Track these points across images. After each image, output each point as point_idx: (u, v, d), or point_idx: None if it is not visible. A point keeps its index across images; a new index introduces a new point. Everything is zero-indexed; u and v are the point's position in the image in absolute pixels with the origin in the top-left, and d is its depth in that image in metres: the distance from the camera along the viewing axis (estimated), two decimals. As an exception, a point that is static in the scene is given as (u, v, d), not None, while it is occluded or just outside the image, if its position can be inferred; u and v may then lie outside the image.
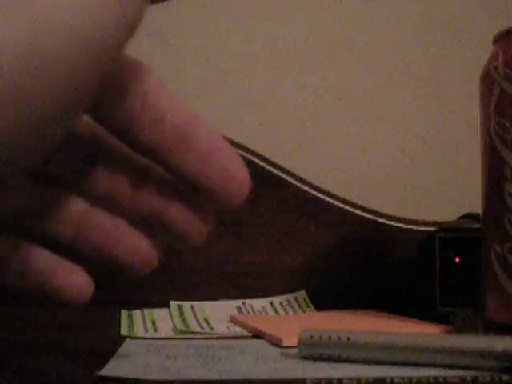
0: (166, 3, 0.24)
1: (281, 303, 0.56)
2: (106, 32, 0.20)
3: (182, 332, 0.43)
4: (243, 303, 0.55)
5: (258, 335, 0.41)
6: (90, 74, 0.21)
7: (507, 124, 0.39)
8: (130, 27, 0.22)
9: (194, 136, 0.25)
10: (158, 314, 0.50)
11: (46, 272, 0.26)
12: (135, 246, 0.26)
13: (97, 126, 0.25)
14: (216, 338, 0.41)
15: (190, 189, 0.26)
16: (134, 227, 0.27)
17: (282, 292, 0.58)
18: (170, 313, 0.51)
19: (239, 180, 0.25)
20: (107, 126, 0.25)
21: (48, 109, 0.20)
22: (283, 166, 0.62)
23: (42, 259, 0.26)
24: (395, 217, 0.61)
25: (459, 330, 0.43)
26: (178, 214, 0.26)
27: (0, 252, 0.26)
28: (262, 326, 0.42)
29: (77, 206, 0.26)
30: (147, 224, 0.26)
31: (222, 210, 0.26)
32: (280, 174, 0.61)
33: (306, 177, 0.62)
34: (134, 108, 0.24)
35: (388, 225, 0.60)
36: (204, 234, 0.27)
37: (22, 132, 0.20)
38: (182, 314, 0.50)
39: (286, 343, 0.37)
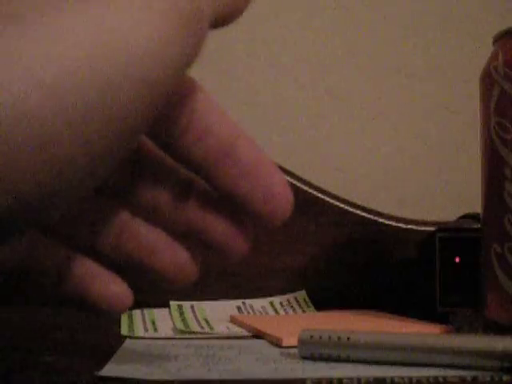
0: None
1: (281, 303, 0.56)
2: (166, 64, 0.20)
3: (182, 332, 0.43)
4: (243, 303, 0.55)
5: (258, 335, 0.41)
6: (147, 107, 0.20)
7: (507, 124, 0.39)
8: (191, 57, 0.21)
9: (238, 151, 0.24)
10: (158, 314, 0.50)
11: (85, 279, 0.26)
12: (173, 259, 0.26)
13: (142, 137, 0.25)
14: (216, 338, 0.41)
15: (231, 204, 0.25)
16: (173, 239, 0.26)
17: (282, 292, 0.58)
18: (170, 313, 0.51)
19: (281, 197, 0.25)
20: (153, 138, 0.25)
21: (101, 141, 0.19)
22: (283, 166, 0.62)
23: (82, 266, 0.26)
24: (395, 217, 0.61)
25: (459, 329, 0.43)
26: (218, 228, 0.26)
27: (39, 255, 0.26)
28: (261, 326, 0.42)
29: (119, 216, 0.26)
30: (187, 237, 0.26)
31: (264, 226, 0.25)
32: (280, 174, 0.61)
33: (305, 177, 0.62)
34: (181, 123, 0.24)
35: (388, 225, 0.60)
36: (244, 249, 0.26)
37: (84, 160, 0.19)
38: (182, 313, 0.50)
39: (286, 343, 0.37)
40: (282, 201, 0.25)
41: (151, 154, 0.26)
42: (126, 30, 0.19)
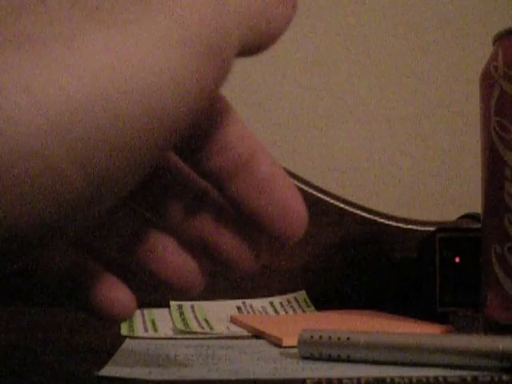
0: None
1: (281, 303, 0.56)
2: (183, 97, 0.19)
3: (182, 332, 0.43)
4: (243, 303, 0.55)
5: (258, 335, 0.41)
6: (160, 139, 0.19)
7: (507, 124, 0.39)
8: (213, 88, 0.20)
9: (255, 166, 0.24)
10: (158, 314, 0.50)
11: (91, 283, 0.25)
12: (181, 268, 0.26)
13: None
14: (216, 338, 0.41)
15: (245, 219, 0.25)
16: (183, 249, 0.26)
17: (282, 292, 0.58)
18: (170, 313, 0.51)
19: (296, 216, 0.24)
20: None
21: (106, 172, 0.18)
22: (283, 166, 0.62)
23: (89, 269, 0.25)
24: (395, 217, 0.61)
25: (459, 329, 0.43)
26: (229, 243, 0.25)
27: (49, 255, 0.25)
28: (261, 326, 0.42)
29: (128, 222, 0.26)
30: (197, 247, 0.26)
31: (278, 244, 0.25)
32: (280, 174, 0.61)
33: (305, 177, 0.62)
34: (201, 134, 0.23)
35: (388, 225, 0.60)
36: (253, 266, 0.26)
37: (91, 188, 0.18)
38: (182, 313, 0.50)
39: (286, 343, 0.37)
40: (296, 219, 0.24)
41: (168, 161, 0.26)
42: (142, 61, 0.18)
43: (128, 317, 0.26)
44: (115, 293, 0.25)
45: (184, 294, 0.27)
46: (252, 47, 0.22)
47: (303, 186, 0.61)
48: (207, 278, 0.26)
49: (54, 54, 0.17)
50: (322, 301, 0.56)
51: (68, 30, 0.17)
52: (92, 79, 0.17)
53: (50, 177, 0.17)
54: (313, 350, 0.33)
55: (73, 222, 0.19)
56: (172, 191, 0.25)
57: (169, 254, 0.26)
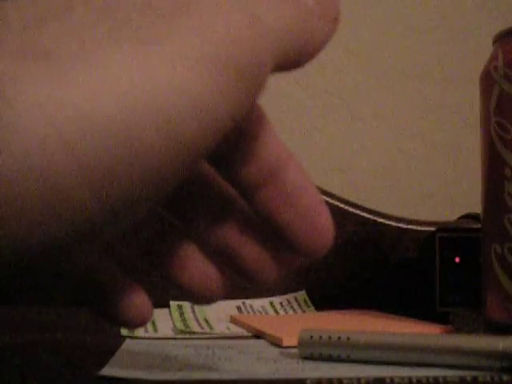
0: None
1: (281, 303, 0.56)
2: (208, 121, 0.18)
3: (182, 332, 0.43)
4: (243, 303, 0.55)
5: (258, 335, 0.41)
6: (181, 164, 0.18)
7: (507, 124, 0.39)
8: (243, 110, 0.19)
9: (285, 177, 0.23)
10: (158, 313, 0.50)
11: (109, 287, 0.25)
12: (202, 275, 0.25)
13: None
14: (216, 338, 0.41)
15: (270, 231, 0.24)
16: (205, 256, 0.25)
17: (282, 292, 0.58)
18: (170, 313, 0.51)
19: (323, 231, 0.23)
20: None
21: (122, 198, 0.17)
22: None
23: (108, 272, 0.25)
24: (395, 217, 0.61)
25: (459, 329, 0.43)
26: (252, 253, 0.25)
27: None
28: (261, 326, 0.42)
29: (153, 227, 0.25)
30: (220, 256, 0.25)
31: (302, 256, 0.24)
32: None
33: (305, 177, 0.62)
34: (231, 141, 0.22)
35: (388, 225, 0.60)
36: (276, 277, 0.25)
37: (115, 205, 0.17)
38: (182, 313, 0.50)
39: (286, 343, 0.37)
40: (323, 234, 0.24)
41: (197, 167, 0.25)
42: (166, 82, 0.17)
43: (144, 323, 0.25)
44: (134, 298, 0.25)
45: (203, 303, 0.26)
46: (288, 64, 0.21)
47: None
48: (228, 288, 0.26)
49: (72, 70, 0.16)
50: (322, 301, 0.56)
51: (90, 45, 0.17)
52: (110, 99, 0.16)
53: (58, 199, 0.16)
54: (313, 349, 0.33)
55: (88, 241, 0.18)
56: (199, 198, 0.25)
57: (191, 261, 0.25)
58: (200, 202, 0.25)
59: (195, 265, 0.25)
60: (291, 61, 0.21)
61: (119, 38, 0.17)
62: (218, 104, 0.18)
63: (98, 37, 0.17)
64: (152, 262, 0.25)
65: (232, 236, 0.25)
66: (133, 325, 0.25)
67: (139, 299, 0.25)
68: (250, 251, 0.25)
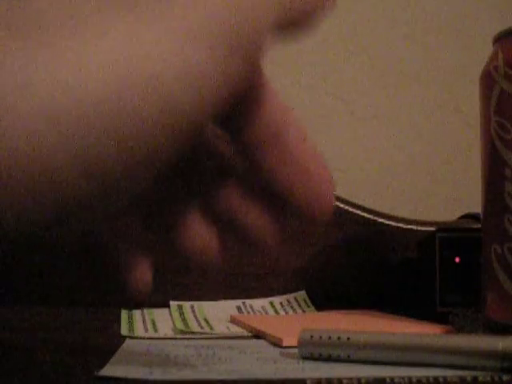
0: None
1: (281, 303, 0.56)
2: (201, 94, 0.18)
3: (182, 332, 0.43)
4: (243, 303, 0.55)
5: (258, 335, 0.41)
6: (177, 135, 0.18)
7: (507, 124, 0.39)
8: (237, 84, 0.19)
9: (286, 138, 0.23)
10: (158, 313, 0.50)
11: (109, 251, 0.25)
12: (202, 237, 0.25)
13: None
14: (216, 338, 0.41)
15: (271, 193, 0.24)
16: (206, 219, 0.25)
17: (282, 292, 0.58)
18: (170, 313, 0.51)
19: (326, 195, 0.24)
20: None
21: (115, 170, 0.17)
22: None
23: (108, 236, 0.25)
24: (395, 217, 0.61)
25: (459, 329, 0.43)
26: (252, 217, 0.25)
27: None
28: (261, 326, 0.42)
29: (154, 193, 0.25)
30: (221, 220, 0.25)
31: (306, 223, 0.24)
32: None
33: (306, 177, 0.62)
34: (234, 106, 0.22)
35: (388, 225, 0.60)
36: (277, 241, 0.25)
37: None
38: (182, 313, 0.50)
39: (286, 343, 0.37)
40: (325, 199, 0.24)
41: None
42: (159, 58, 0.17)
43: (146, 287, 0.25)
44: (135, 262, 0.25)
45: (201, 266, 0.26)
46: (288, 24, 0.21)
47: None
48: (226, 255, 0.26)
49: (61, 43, 0.16)
50: (322, 301, 0.56)
51: (82, 19, 0.16)
52: (101, 70, 0.16)
53: (47, 178, 0.16)
54: (313, 349, 0.33)
55: (83, 218, 0.18)
56: (200, 158, 0.25)
57: (192, 223, 0.25)
58: (201, 162, 0.25)
59: (196, 226, 0.25)
60: (292, 20, 0.21)
61: (114, 10, 0.17)
62: (212, 74, 0.18)
63: (91, 11, 0.17)
64: (154, 226, 0.25)
65: (233, 200, 0.25)
66: (134, 288, 0.25)
67: (141, 266, 0.25)
68: (251, 216, 0.25)
